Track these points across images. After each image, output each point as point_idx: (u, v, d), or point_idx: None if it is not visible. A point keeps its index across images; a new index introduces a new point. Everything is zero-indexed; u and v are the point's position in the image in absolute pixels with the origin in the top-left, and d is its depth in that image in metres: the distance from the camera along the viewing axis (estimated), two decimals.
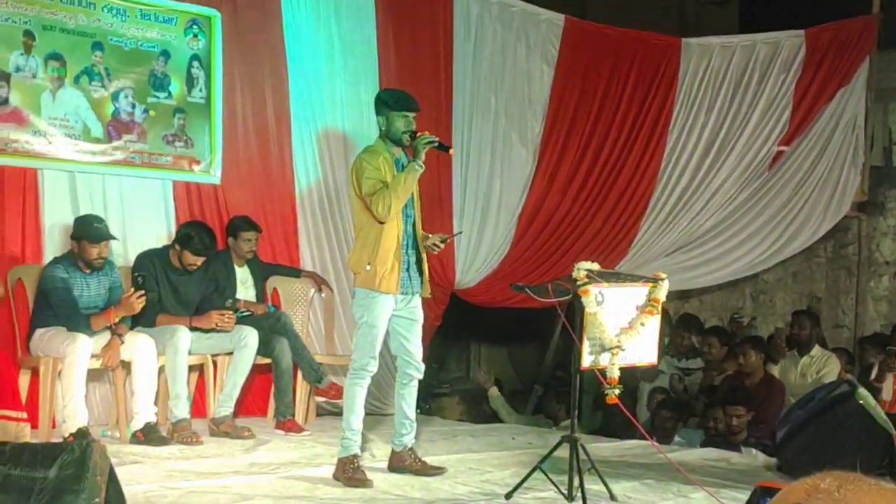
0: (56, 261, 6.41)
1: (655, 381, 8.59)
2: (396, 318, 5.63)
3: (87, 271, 6.39)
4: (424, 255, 5.73)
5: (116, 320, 6.32)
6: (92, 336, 6.24)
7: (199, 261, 6.74)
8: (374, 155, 5.57)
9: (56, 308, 6.28)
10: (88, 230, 6.34)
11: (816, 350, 8.41)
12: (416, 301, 5.69)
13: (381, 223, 5.46)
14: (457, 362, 10.79)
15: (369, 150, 5.63)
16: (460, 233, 5.79)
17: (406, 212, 5.61)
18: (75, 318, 6.27)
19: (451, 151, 5.93)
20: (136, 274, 6.63)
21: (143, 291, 6.33)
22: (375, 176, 5.47)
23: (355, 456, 5.58)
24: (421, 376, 5.81)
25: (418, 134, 5.56)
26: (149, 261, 6.74)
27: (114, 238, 6.56)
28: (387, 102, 5.65)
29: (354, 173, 5.57)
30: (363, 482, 5.45)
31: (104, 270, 6.47)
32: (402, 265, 5.55)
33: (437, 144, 5.59)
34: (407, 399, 5.78)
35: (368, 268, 5.47)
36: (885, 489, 1.35)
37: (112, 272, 6.56)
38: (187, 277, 6.81)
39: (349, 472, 5.50)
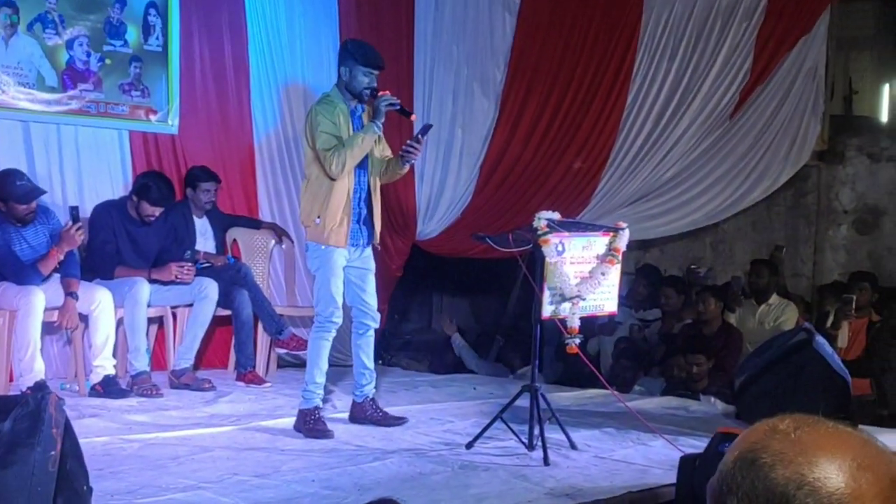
0: None
1: (615, 333, 8.62)
2: (350, 268, 5.63)
3: (20, 225, 6.18)
4: (378, 207, 5.68)
5: (62, 257, 6.16)
6: (43, 283, 6.15)
7: (157, 211, 6.66)
8: (329, 106, 5.51)
9: (0, 268, 6.15)
10: (13, 190, 6.07)
11: (774, 298, 8.48)
12: (368, 251, 5.70)
13: (335, 178, 5.42)
14: (419, 314, 10.78)
15: (325, 101, 5.57)
16: (428, 125, 5.68)
17: (361, 164, 5.55)
18: (21, 272, 6.12)
19: (413, 118, 5.81)
20: (71, 207, 6.37)
21: (80, 224, 6.19)
22: (330, 130, 5.43)
23: (316, 408, 5.59)
24: (377, 325, 5.83)
25: (380, 93, 5.48)
26: (106, 212, 6.66)
27: (43, 192, 6.32)
28: (353, 55, 5.56)
29: (309, 125, 5.52)
30: (324, 433, 5.46)
31: (39, 219, 6.26)
32: (353, 217, 5.53)
33: (398, 108, 5.53)
34: (364, 349, 5.79)
35: (318, 221, 5.47)
36: (842, 431, 1.36)
37: (49, 219, 6.34)
38: (145, 229, 6.74)
39: (310, 424, 5.51)
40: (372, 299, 5.74)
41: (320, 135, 5.42)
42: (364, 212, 5.63)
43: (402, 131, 7.86)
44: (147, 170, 7.03)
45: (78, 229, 6.17)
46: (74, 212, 6.27)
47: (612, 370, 8.17)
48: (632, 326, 8.70)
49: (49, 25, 6.87)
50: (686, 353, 7.59)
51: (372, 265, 5.74)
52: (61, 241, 6.18)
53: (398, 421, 5.82)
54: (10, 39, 6.73)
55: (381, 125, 5.48)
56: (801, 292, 9.71)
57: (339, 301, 5.59)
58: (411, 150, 5.54)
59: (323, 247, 5.50)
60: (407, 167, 5.71)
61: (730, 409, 6.67)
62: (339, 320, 5.62)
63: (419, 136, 5.56)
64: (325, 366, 5.64)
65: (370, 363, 5.83)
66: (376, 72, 5.55)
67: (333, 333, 5.66)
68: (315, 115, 5.48)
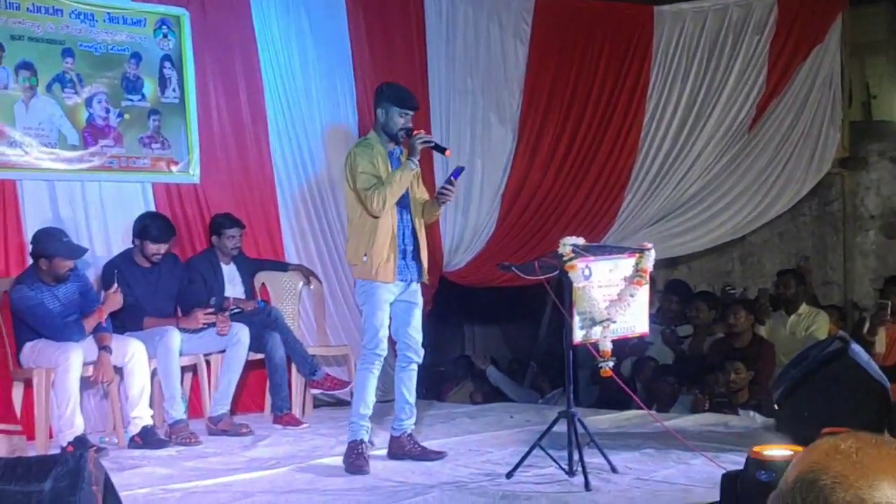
0: (19, 281, 6.28)
1: (646, 352, 8.57)
2: (397, 302, 5.71)
3: (52, 283, 6.26)
4: (423, 243, 5.77)
5: (105, 317, 6.31)
6: (82, 340, 6.21)
7: (162, 248, 6.72)
8: (367, 148, 5.64)
9: (38, 327, 6.21)
10: (59, 247, 6.18)
11: (804, 308, 8.43)
12: (416, 287, 5.76)
13: (377, 216, 5.53)
14: (451, 344, 10.78)
15: (363, 144, 5.73)
16: (461, 168, 5.85)
17: (402, 202, 5.65)
18: (64, 329, 6.21)
19: (448, 153, 5.98)
20: (112, 270, 6.57)
21: (116, 286, 6.37)
22: (369, 171, 5.55)
23: (360, 441, 5.62)
24: (420, 360, 5.85)
25: (415, 132, 5.62)
26: (114, 267, 6.68)
27: (86, 251, 6.52)
28: (389, 97, 5.69)
29: (348, 167, 5.63)
30: (360, 468, 5.49)
31: (70, 277, 6.34)
32: (399, 254, 5.62)
33: (433, 145, 5.73)
34: (406, 383, 5.82)
35: (365, 259, 5.58)
36: None
37: (78, 278, 6.44)
38: (157, 272, 6.79)
39: (352, 458, 5.56)
40: (417, 333, 5.79)
41: (360, 175, 5.53)
42: (410, 248, 5.72)
43: (434, 173, 7.94)
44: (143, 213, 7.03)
45: (116, 291, 6.34)
46: (116, 276, 6.44)
47: (648, 391, 8.12)
48: (663, 332, 8.63)
49: (67, 85, 6.96)
50: (724, 363, 7.56)
51: (419, 300, 5.81)
52: (105, 301, 6.35)
53: (437, 455, 5.81)
54: (31, 101, 6.82)
55: (416, 162, 5.60)
56: (832, 301, 9.64)
57: (384, 333, 5.65)
58: (446, 192, 5.69)
59: (370, 283, 5.59)
60: (441, 209, 5.88)
61: (770, 423, 6.61)
62: (384, 352, 5.68)
63: (452, 178, 5.73)
64: (370, 398, 5.68)
65: (411, 398, 5.85)
66: (411, 112, 5.70)
67: (379, 365, 5.71)
68: (354, 157, 5.61)
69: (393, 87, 5.89)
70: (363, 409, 5.66)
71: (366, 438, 5.66)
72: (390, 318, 5.71)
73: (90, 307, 6.36)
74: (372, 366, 5.67)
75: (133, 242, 6.80)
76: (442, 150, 5.89)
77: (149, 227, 6.71)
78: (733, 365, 7.44)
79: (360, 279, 5.68)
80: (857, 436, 1.36)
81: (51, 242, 6.21)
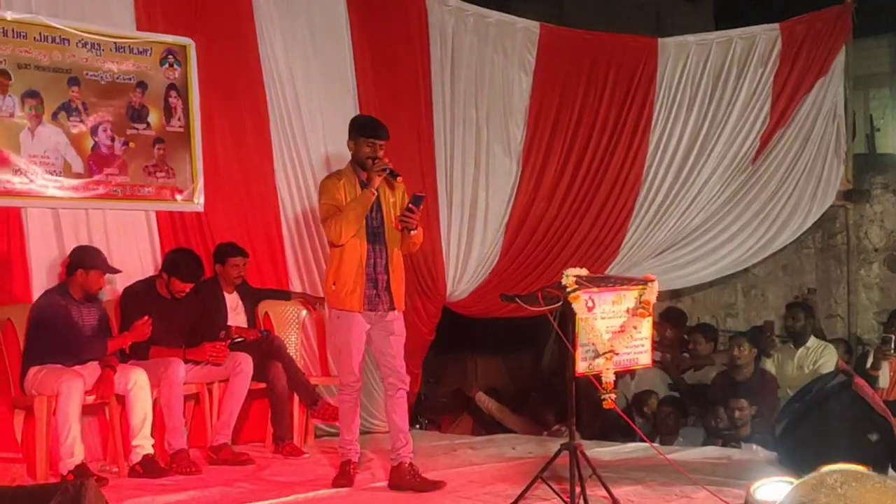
0: (49, 292, 6.41)
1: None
2: (377, 332, 5.85)
3: (81, 300, 6.37)
4: (400, 274, 5.88)
5: (128, 345, 6.50)
6: (100, 358, 6.31)
7: (188, 287, 6.73)
8: (334, 179, 5.85)
9: (60, 338, 6.23)
10: (98, 259, 6.43)
11: (812, 341, 8.41)
12: (392, 316, 5.86)
13: (337, 246, 5.70)
14: (454, 375, 10.75)
15: (332, 175, 5.95)
16: (420, 196, 5.86)
17: (374, 232, 5.77)
18: (82, 344, 6.31)
19: (399, 181, 5.94)
20: (133, 296, 6.69)
21: (147, 318, 6.49)
22: (329, 201, 5.74)
23: (348, 461, 5.94)
24: (406, 387, 5.94)
25: (377, 161, 5.74)
26: (135, 293, 6.71)
27: (119, 271, 6.69)
28: (356, 128, 5.93)
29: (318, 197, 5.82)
30: (341, 484, 5.81)
31: (94, 302, 6.48)
32: (369, 284, 5.74)
33: (388, 171, 5.79)
34: (397, 411, 5.89)
35: (334, 287, 5.77)
36: (889, 487, 1.35)
37: (99, 304, 6.57)
38: (175, 305, 6.79)
39: (339, 476, 5.90)
40: (396, 360, 5.88)
41: (321, 205, 5.80)
42: (384, 278, 5.80)
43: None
44: (175, 247, 7.10)
45: (145, 322, 6.47)
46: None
47: (653, 423, 8.09)
48: (663, 356, 8.59)
49: (73, 113, 6.99)
50: (727, 400, 7.53)
51: (397, 329, 5.88)
52: (133, 330, 6.47)
53: (436, 486, 5.79)
54: (37, 129, 6.84)
55: (374, 190, 5.71)
56: (836, 334, 9.62)
57: (355, 366, 5.83)
58: (406, 218, 5.78)
59: (339, 312, 5.77)
60: (417, 236, 5.89)
61: (772, 456, 6.58)
62: (357, 384, 5.91)
63: (411, 206, 5.78)
64: (352, 424, 5.98)
65: (404, 425, 5.90)
66: (378, 141, 5.81)
67: (355, 395, 5.93)
68: (320, 187, 5.87)
69: (360, 118, 6.18)
70: (347, 435, 5.97)
71: (353, 459, 5.96)
72: (370, 351, 5.92)
73: (105, 336, 6.46)
74: (350, 398, 5.93)
75: (160, 274, 6.82)
76: (395, 177, 5.89)
77: (180, 264, 6.75)
78: (737, 403, 7.42)
79: (330, 308, 5.89)
80: (841, 469, 1.38)
81: (91, 256, 6.43)
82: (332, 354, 5.96)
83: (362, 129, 5.89)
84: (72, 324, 6.30)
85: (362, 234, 5.73)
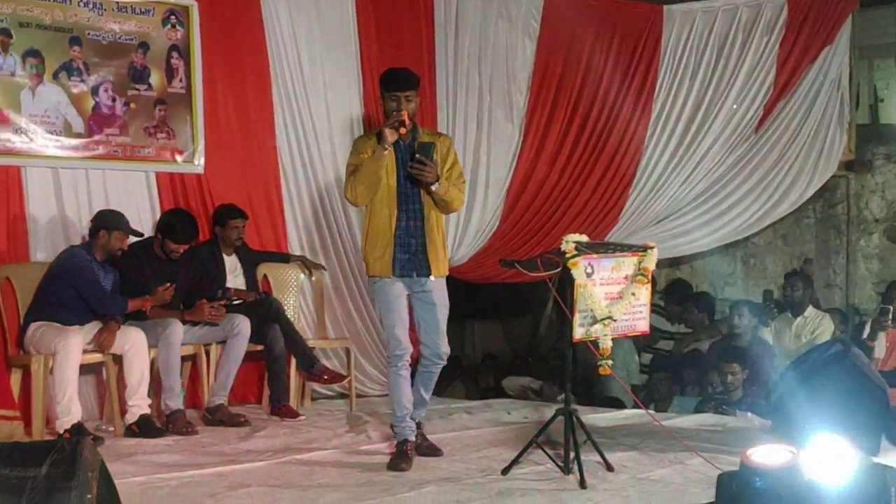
0: (74, 247, 6.53)
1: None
2: (416, 301, 5.55)
3: (101, 262, 6.48)
4: (437, 238, 5.47)
5: (149, 308, 6.63)
6: (121, 314, 6.43)
7: (182, 248, 6.74)
8: (365, 138, 5.58)
9: (85, 288, 6.33)
10: (120, 221, 6.51)
11: (810, 311, 8.41)
12: (431, 285, 5.50)
13: (356, 206, 5.56)
14: (452, 340, 10.76)
15: (363, 135, 5.68)
16: (423, 144, 5.41)
17: (404, 193, 5.42)
18: (105, 297, 6.42)
19: (403, 132, 5.32)
20: (132, 256, 6.69)
21: (170, 284, 6.62)
22: (353, 161, 5.45)
23: (405, 441, 5.55)
24: (443, 362, 5.67)
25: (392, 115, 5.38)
26: (134, 255, 6.72)
27: (141, 234, 6.77)
28: (381, 84, 5.53)
29: None
30: (396, 466, 5.40)
31: (110, 269, 6.56)
32: (399, 248, 5.41)
33: (396, 124, 5.31)
34: (425, 382, 5.69)
35: (366, 252, 5.49)
36: None
37: (115, 271, 6.62)
38: (174, 266, 6.80)
39: (396, 457, 5.49)
40: (437, 335, 5.57)
41: (347, 167, 5.51)
42: (418, 241, 5.44)
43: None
44: (171, 208, 7.11)
45: (168, 288, 6.64)
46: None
47: (648, 389, 8.13)
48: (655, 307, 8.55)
49: (74, 73, 6.97)
50: (719, 363, 7.59)
51: (435, 299, 5.53)
52: (155, 294, 6.62)
53: (434, 452, 5.78)
54: (37, 88, 6.82)
55: (386, 146, 5.28)
56: (834, 304, 9.63)
57: (400, 332, 5.47)
58: (416, 171, 5.31)
59: (373, 279, 5.50)
60: (443, 191, 5.37)
61: (766, 424, 6.61)
62: (403, 352, 5.49)
63: (419, 155, 5.31)
64: (404, 399, 5.53)
65: (426, 395, 5.74)
66: (400, 94, 5.37)
67: (404, 365, 5.51)
68: (352, 146, 5.58)
69: (385, 72, 5.64)
70: (400, 412, 5.56)
71: (410, 438, 5.57)
72: (415, 316, 5.59)
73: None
74: (397, 368, 5.51)
75: (155, 235, 6.83)
76: (397, 128, 5.32)
77: (174, 226, 6.74)
78: (730, 367, 7.46)
79: (368, 276, 5.59)
80: None
81: (114, 217, 6.53)
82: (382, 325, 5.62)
83: (384, 83, 5.46)
84: (95, 276, 6.41)
85: (390, 194, 5.39)
